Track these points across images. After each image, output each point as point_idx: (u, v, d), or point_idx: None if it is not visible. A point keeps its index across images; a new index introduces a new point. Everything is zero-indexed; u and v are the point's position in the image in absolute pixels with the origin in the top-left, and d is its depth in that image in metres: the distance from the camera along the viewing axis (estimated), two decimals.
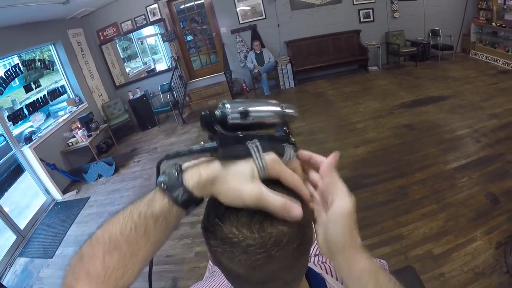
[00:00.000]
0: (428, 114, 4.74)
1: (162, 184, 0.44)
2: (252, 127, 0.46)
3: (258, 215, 0.42)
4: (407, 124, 4.59)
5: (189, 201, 0.44)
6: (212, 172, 0.44)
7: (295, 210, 0.42)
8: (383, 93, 5.87)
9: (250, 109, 0.45)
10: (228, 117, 0.44)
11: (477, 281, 2.22)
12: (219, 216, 0.44)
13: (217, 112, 0.45)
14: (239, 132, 0.45)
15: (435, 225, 2.77)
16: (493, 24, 6.40)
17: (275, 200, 0.42)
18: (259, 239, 0.41)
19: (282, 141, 0.48)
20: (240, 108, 0.44)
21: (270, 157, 0.44)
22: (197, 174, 0.44)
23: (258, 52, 6.93)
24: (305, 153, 0.50)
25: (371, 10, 7.06)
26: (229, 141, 0.44)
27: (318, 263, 0.71)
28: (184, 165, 0.46)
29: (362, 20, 7.12)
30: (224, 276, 0.76)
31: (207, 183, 0.44)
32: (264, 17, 7.13)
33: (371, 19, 7.11)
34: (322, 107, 5.87)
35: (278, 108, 0.47)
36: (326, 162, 0.46)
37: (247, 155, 0.44)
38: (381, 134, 4.49)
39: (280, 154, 0.46)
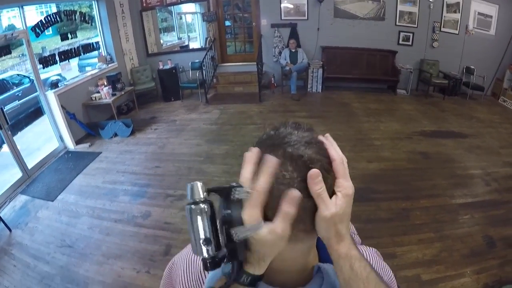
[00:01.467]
0: (445, 147, 4.72)
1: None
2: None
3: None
4: (423, 151, 4.58)
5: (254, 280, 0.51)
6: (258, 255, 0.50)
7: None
8: (406, 117, 5.85)
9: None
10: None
11: None
12: None
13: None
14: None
15: (429, 252, 2.79)
16: None
17: (279, 218, 0.47)
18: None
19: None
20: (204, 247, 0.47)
21: (245, 212, 0.47)
22: (252, 266, 0.51)
23: (293, 50, 6.96)
24: (327, 140, 0.54)
25: (411, 34, 7.02)
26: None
27: None
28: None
29: (400, 42, 7.09)
30: None
31: (261, 265, 0.52)
32: (306, 18, 7.15)
33: (410, 43, 7.08)
34: (345, 117, 5.89)
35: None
36: (309, 178, 0.49)
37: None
38: (396, 155, 4.51)
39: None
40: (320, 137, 0.53)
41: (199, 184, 0.48)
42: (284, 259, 0.58)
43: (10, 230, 3.49)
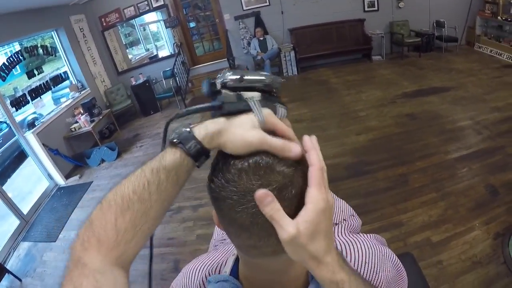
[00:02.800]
0: (430, 105, 4.73)
1: (175, 140, 0.48)
2: (247, 90, 0.52)
3: (262, 163, 0.45)
4: (409, 113, 4.59)
5: (200, 152, 0.48)
6: (218, 125, 0.48)
7: (295, 147, 0.46)
8: (386, 82, 5.85)
9: (245, 76, 0.51)
10: (227, 80, 0.51)
11: (474, 270, 2.25)
12: (226, 165, 0.47)
13: (218, 79, 0.52)
14: (238, 92, 0.51)
15: (434, 213, 2.80)
16: (499, 17, 6.32)
17: (277, 141, 0.46)
18: (263, 182, 0.44)
19: (274, 102, 0.53)
20: (237, 75, 0.51)
21: (267, 111, 0.49)
22: (205, 128, 0.49)
23: (262, 39, 6.89)
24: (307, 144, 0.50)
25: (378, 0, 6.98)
26: (231, 99, 0.51)
27: None
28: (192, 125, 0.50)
29: (366, 9, 7.05)
30: (226, 248, 0.78)
31: (214, 135, 0.48)
32: (268, 4, 7.06)
33: (376, 8, 7.04)
34: (325, 94, 5.86)
35: (268, 78, 0.53)
36: (256, 200, 0.44)
37: (247, 109, 0.49)
38: (383, 122, 4.50)
39: (274, 112, 0.51)
40: (305, 137, 0.49)
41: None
42: (270, 271, 0.56)
43: (20, 280, 3.43)
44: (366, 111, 4.89)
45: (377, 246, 0.73)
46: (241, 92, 0.51)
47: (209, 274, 0.70)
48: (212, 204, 0.51)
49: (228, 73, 0.52)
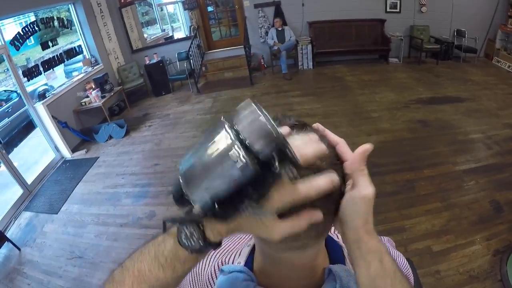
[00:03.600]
0: (443, 113, 4.67)
1: (188, 249, 0.43)
2: None
3: None
4: (421, 120, 4.54)
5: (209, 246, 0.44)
6: (233, 228, 0.43)
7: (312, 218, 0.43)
8: (401, 86, 5.78)
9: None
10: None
11: (471, 284, 2.25)
12: None
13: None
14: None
15: (437, 222, 2.79)
16: None
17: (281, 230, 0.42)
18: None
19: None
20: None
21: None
22: (217, 233, 0.43)
23: (280, 29, 6.82)
24: (320, 128, 0.51)
25: (398, 1, 6.87)
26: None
27: (334, 232, 0.72)
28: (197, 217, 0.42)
29: (388, 10, 6.94)
30: (239, 236, 0.77)
31: (228, 233, 0.44)
32: None
33: (398, 10, 6.92)
34: (339, 91, 5.82)
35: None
36: (361, 151, 0.46)
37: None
38: (394, 126, 4.47)
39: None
40: (318, 125, 0.49)
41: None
42: (292, 266, 0.56)
43: (19, 249, 3.48)
44: (379, 113, 4.86)
45: (390, 249, 0.74)
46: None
47: (222, 263, 0.69)
48: None
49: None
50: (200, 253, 0.44)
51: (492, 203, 2.95)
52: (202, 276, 0.71)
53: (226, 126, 0.37)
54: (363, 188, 0.44)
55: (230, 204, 0.37)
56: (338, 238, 0.70)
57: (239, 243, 0.75)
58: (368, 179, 0.45)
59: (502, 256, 2.40)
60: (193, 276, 0.73)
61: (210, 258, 0.73)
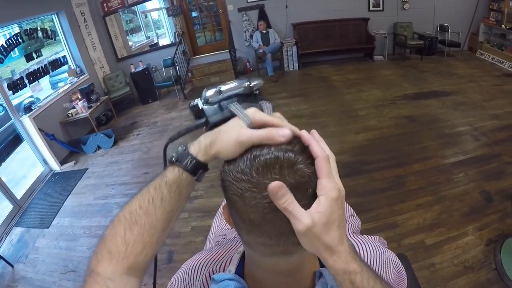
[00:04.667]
0: (429, 108, 4.74)
1: (173, 158, 0.52)
2: (228, 100, 0.55)
3: (281, 160, 0.43)
4: (408, 115, 4.60)
5: (197, 167, 0.51)
6: (209, 137, 0.51)
7: (283, 130, 0.45)
8: (386, 83, 5.85)
9: (222, 87, 0.55)
10: (206, 97, 0.55)
11: (466, 274, 2.28)
12: (241, 158, 0.47)
13: (199, 100, 0.58)
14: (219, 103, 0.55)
15: (429, 216, 2.82)
16: (503, 26, 6.32)
17: (263, 130, 0.46)
18: (279, 178, 0.42)
19: (258, 101, 0.55)
20: (214, 89, 0.55)
21: (251, 110, 0.51)
22: (198, 143, 0.52)
23: (264, 32, 6.84)
24: (315, 136, 0.49)
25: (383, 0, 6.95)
26: (213, 112, 0.55)
27: None
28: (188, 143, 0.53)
29: (371, 8, 7.02)
30: (230, 244, 0.77)
31: (207, 148, 0.50)
32: None
33: (381, 8, 7.00)
34: (325, 91, 5.85)
35: (245, 83, 0.56)
36: (269, 193, 0.43)
37: (232, 115, 0.51)
38: (382, 123, 4.52)
39: (261, 110, 0.52)
40: (304, 133, 0.47)
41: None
42: (280, 271, 0.56)
43: (12, 266, 3.41)
44: (365, 111, 4.90)
45: (381, 249, 0.73)
46: (221, 103, 0.55)
47: (213, 272, 0.70)
48: (224, 197, 0.51)
49: (206, 91, 0.56)
50: (189, 171, 0.51)
51: (482, 193, 2.99)
52: (194, 285, 0.71)
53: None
54: (294, 225, 0.43)
55: (229, 95, 0.56)
56: None
57: (229, 250, 0.75)
58: (295, 213, 0.42)
59: (495, 245, 2.44)
60: (185, 285, 0.72)
61: (202, 267, 0.73)
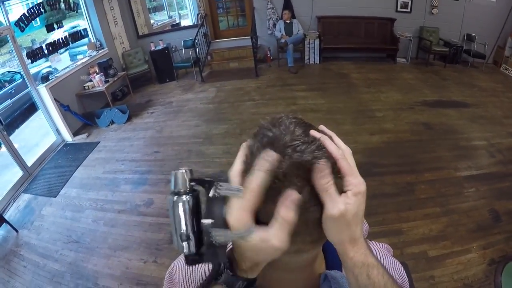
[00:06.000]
0: (447, 117, 4.64)
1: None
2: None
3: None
4: (425, 122, 4.52)
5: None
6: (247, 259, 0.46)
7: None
8: (407, 86, 5.74)
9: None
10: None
11: None
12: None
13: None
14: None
15: (435, 227, 2.79)
16: None
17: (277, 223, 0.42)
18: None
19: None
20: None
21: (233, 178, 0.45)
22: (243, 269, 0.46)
23: (288, 22, 6.75)
24: (326, 132, 0.49)
25: (410, 1, 6.77)
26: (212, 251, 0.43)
27: None
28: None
29: (398, 9, 6.85)
30: None
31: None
32: None
33: (408, 10, 6.83)
34: (344, 88, 5.78)
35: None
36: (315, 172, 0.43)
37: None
38: (398, 126, 4.45)
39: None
40: (314, 132, 0.46)
41: (183, 172, 0.42)
42: (287, 270, 0.56)
43: (16, 231, 3.51)
44: (383, 112, 4.83)
45: (388, 257, 0.74)
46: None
47: None
48: None
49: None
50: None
51: (491, 211, 2.94)
52: (195, 274, 0.70)
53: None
54: (328, 208, 0.43)
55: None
56: None
57: None
58: (333, 197, 0.42)
59: (497, 266, 2.38)
60: (185, 274, 0.72)
61: None
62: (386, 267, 0.69)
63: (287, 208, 0.40)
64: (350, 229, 0.45)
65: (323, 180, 0.41)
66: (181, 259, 0.77)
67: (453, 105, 5.02)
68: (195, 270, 0.71)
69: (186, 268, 0.73)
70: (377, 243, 0.80)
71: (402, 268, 0.75)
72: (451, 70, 6.59)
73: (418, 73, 6.42)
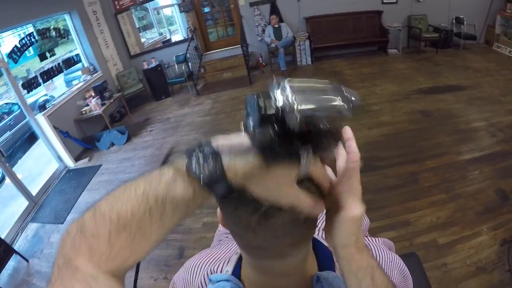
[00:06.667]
0: (444, 103, 4.62)
1: (198, 177, 0.37)
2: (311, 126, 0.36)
3: None
4: (422, 110, 4.50)
5: (226, 192, 0.38)
6: (251, 169, 0.37)
7: (318, 210, 0.45)
8: (401, 77, 5.73)
9: (318, 113, 0.36)
10: (290, 117, 0.35)
11: (478, 275, 2.22)
12: None
13: (274, 102, 0.36)
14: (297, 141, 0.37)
15: (442, 214, 2.76)
16: None
17: (306, 204, 0.43)
18: None
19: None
20: (310, 103, 0.36)
21: (315, 166, 0.45)
22: (233, 167, 0.37)
23: (276, 26, 6.78)
24: (348, 133, 0.48)
25: None
26: (276, 142, 0.36)
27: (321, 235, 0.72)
28: (217, 147, 0.38)
29: (384, 1, 6.86)
30: (230, 244, 0.77)
31: (246, 179, 0.38)
32: None
33: (395, 0, 6.85)
34: None
35: (345, 104, 0.39)
36: (351, 165, 0.45)
37: (294, 161, 0.37)
38: (395, 118, 4.43)
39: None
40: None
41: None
42: (276, 274, 0.55)
43: (27, 260, 3.51)
44: (379, 105, 4.81)
45: (385, 252, 0.73)
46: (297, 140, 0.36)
47: (211, 272, 0.70)
48: (217, 201, 0.44)
49: (289, 92, 0.36)
50: (207, 190, 0.37)
51: (497, 192, 2.90)
52: (193, 285, 0.71)
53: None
54: (352, 209, 0.44)
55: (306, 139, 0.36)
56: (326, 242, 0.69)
57: (229, 250, 0.75)
58: (357, 198, 0.44)
59: (510, 245, 2.37)
60: (185, 285, 0.73)
61: (201, 267, 0.73)
62: (384, 262, 0.70)
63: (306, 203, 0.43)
64: (359, 232, 0.46)
65: (354, 179, 0.44)
66: (180, 272, 0.78)
67: (448, 89, 5.00)
68: (192, 281, 0.72)
69: (185, 278, 0.74)
70: (374, 238, 0.80)
71: (402, 261, 0.75)
72: (443, 55, 6.57)
73: (411, 62, 6.41)
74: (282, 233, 0.44)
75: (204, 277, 0.70)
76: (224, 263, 0.70)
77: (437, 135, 3.90)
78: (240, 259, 0.66)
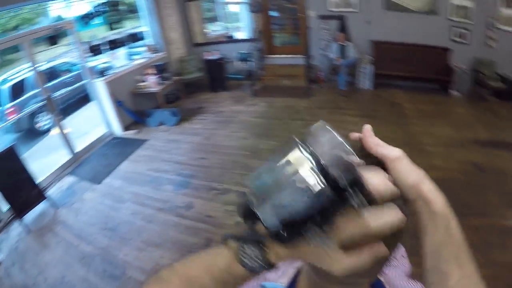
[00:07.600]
0: (501, 160, 4.35)
1: (246, 268, 0.44)
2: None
3: None
4: (476, 162, 4.26)
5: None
6: (295, 254, 0.43)
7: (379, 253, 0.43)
8: (459, 122, 5.46)
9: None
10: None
11: None
12: None
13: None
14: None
15: None
16: None
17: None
18: None
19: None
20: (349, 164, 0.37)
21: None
22: (278, 256, 0.43)
23: (342, 44, 6.71)
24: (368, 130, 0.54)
25: (466, 31, 6.44)
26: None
27: None
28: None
29: (455, 39, 6.56)
30: None
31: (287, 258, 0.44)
32: (356, 10, 6.85)
33: (465, 40, 6.51)
34: (395, 118, 5.62)
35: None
36: (367, 134, 0.52)
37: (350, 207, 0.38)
38: (447, 164, 4.24)
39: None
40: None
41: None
42: None
43: (56, 208, 3.71)
44: (433, 147, 4.63)
45: (404, 280, 0.74)
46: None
47: (264, 278, 0.70)
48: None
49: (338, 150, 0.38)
50: (256, 274, 0.44)
51: None
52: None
53: (300, 148, 0.40)
54: (390, 153, 0.47)
55: (297, 229, 0.37)
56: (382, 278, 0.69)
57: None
58: (388, 146, 0.49)
59: None
60: None
61: None
62: None
63: (371, 256, 0.41)
64: (418, 169, 0.47)
65: (374, 139, 0.49)
66: None
67: (507, 146, 4.70)
68: None
69: None
70: (415, 281, 0.78)
71: None
72: (507, 107, 6.15)
73: (472, 108, 6.09)
74: (367, 274, 0.46)
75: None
76: (277, 273, 0.70)
77: (486, 192, 3.68)
78: (297, 274, 0.67)
